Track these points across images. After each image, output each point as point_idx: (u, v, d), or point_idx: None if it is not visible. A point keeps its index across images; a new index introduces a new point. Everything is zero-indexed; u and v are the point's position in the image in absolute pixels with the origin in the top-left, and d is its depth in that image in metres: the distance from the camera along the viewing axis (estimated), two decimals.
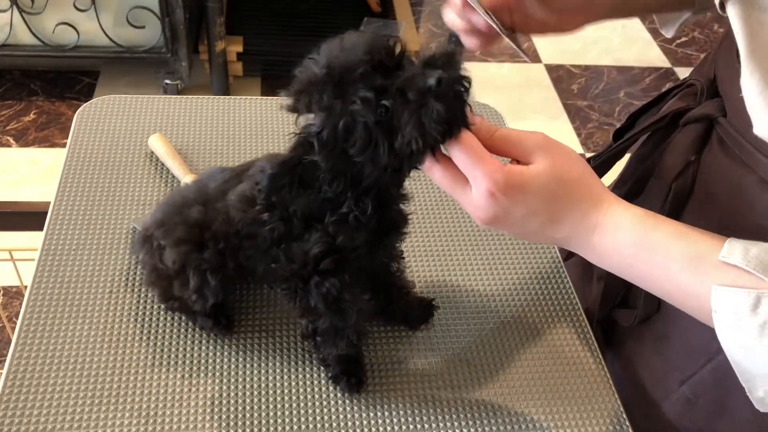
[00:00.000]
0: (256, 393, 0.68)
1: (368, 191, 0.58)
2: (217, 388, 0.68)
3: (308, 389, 0.69)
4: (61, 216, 0.82)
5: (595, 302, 0.79)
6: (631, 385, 0.76)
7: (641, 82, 2.65)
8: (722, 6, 0.58)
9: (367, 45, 0.52)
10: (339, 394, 0.69)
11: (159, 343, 0.71)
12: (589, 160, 0.79)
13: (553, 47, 2.75)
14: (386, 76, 0.52)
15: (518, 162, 0.55)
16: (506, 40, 0.64)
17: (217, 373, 0.69)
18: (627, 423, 0.69)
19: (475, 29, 0.65)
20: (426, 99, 0.50)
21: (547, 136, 0.56)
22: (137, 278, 0.76)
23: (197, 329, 0.72)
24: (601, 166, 0.80)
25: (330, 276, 0.62)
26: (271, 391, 0.68)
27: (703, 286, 0.51)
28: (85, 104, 0.97)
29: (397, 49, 0.54)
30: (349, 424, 0.66)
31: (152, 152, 0.91)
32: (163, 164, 0.90)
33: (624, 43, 2.83)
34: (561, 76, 2.62)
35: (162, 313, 0.74)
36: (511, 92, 2.52)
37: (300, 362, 0.71)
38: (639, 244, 0.53)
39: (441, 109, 0.50)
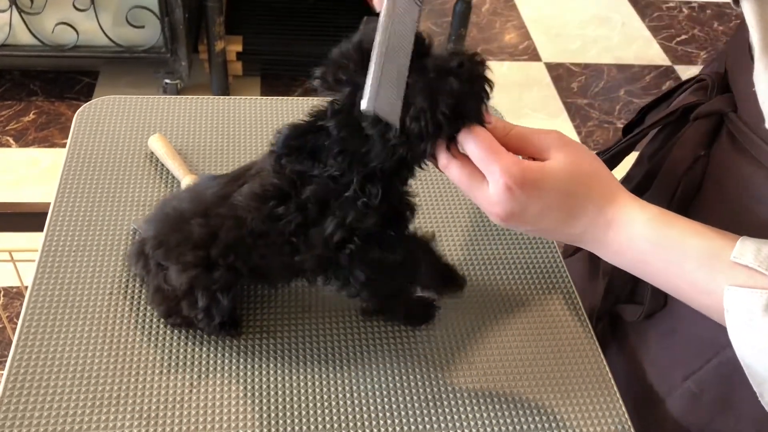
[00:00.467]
0: (257, 395, 0.68)
1: (374, 178, 0.58)
2: (218, 389, 0.68)
3: (310, 390, 0.69)
4: (61, 217, 0.82)
5: (600, 298, 0.79)
6: (636, 380, 0.75)
7: (641, 80, 2.64)
8: (736, 0, 0.58)
9: None
10: (341, 395, 0.69)
11: (160, 345, 0.71)
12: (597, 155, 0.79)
13: (553, 46, 2.75)
14: (412, 60, 0.54)
15: (533, 159, 0.56)
16: None
17: (219, 375, 0.69)
18: (626, 417, 0.69)
19: None
20: (443, 76, 0.52)
21: (561, 134, 0.57)
22: (137, 279, 0.76)
23: (198, 331, 0.72)
24: (609, 161, 0.80)
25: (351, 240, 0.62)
26: (272, 393, 0.68)
27: (717, 284, 0.51)
28: (84, 104, 0.97)
29: (427, 39, 0.55)
30: (351, 424, 0.66)
31: (152, 152, 0.91)
32: (163, 165, 0.89)
33: (624, 42, 2.83)
34: (561, 75, 2.62)
35: None
36: (510, 91, 2.52)
37: (302, 363, 0.71)
38: (654, 241, 0.53)
39: (456, 85, 0.51)
